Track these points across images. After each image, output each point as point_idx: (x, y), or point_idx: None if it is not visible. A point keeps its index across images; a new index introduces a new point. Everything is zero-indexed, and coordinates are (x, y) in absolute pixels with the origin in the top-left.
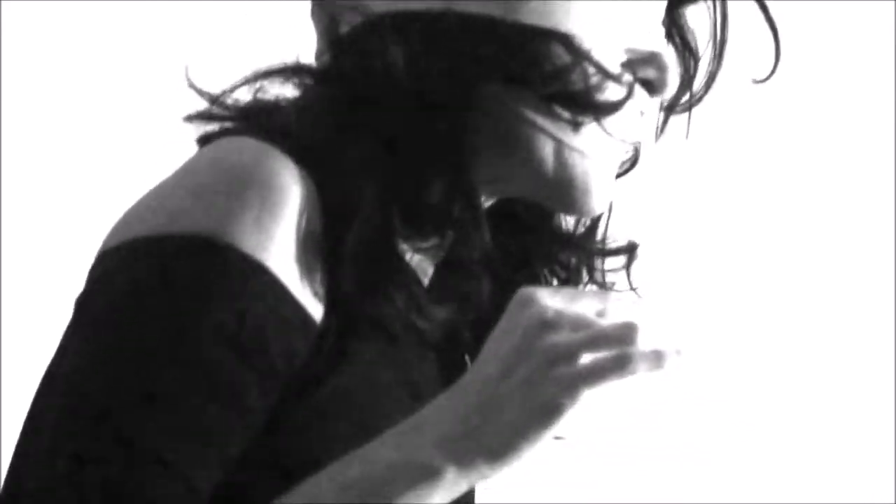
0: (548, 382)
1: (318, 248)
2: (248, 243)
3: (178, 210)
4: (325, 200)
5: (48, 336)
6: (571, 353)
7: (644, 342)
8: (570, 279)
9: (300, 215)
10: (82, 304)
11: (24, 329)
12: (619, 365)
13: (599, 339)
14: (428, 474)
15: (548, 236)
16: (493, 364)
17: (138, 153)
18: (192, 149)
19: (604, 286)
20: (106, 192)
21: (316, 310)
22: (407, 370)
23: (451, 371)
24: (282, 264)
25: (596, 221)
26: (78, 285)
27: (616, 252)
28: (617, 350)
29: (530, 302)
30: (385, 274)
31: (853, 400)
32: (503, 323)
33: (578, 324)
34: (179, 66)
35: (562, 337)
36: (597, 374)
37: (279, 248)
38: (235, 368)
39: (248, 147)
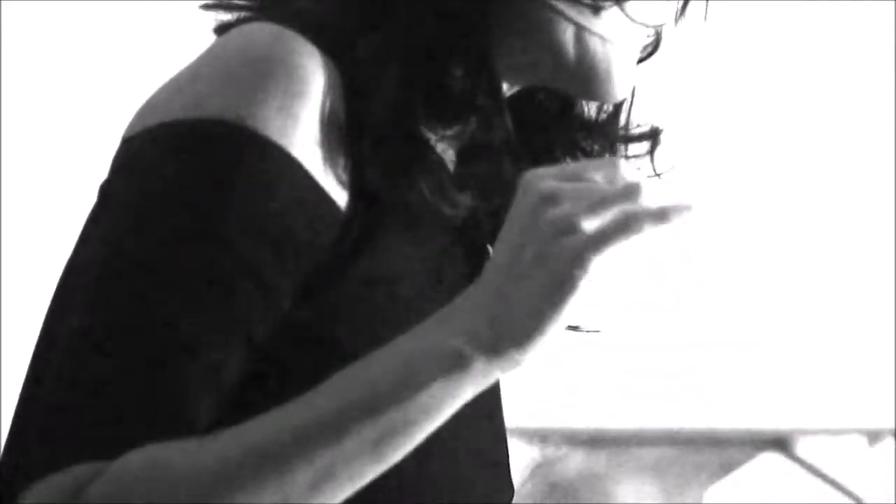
0: (556, 256)
1: (343, 134)
2: (273, 128)
3: (202, 95)
4: (348, 85)
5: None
6: (573, 222)
7: (648, 199)
8: None
9: (324, 101)
10: (106, 191)
11: (25, 329)
12: (623, 224)
13: (601, 202)
14: (457, 363)
15: (570, 123)
16: (505, 250)
17: None
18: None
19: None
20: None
21: (340, 197)
22: (432, 258)
23: (474, 259)
24: (306, 150)
25: (619, 107)
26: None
27: (640, 138)
28: (620, 211)
29: (532, 182)
30: (410, 158)
31: (853, 258)
32: (511, 210)
33: (579, 193)
34: (179, 65)
35: (564, 209)
36: (603, 237)
37: (304, 133)
38: (260, 252)
39: (270, 33)
